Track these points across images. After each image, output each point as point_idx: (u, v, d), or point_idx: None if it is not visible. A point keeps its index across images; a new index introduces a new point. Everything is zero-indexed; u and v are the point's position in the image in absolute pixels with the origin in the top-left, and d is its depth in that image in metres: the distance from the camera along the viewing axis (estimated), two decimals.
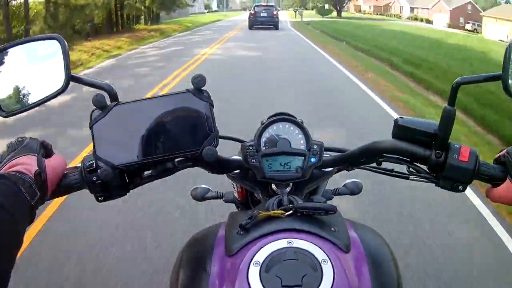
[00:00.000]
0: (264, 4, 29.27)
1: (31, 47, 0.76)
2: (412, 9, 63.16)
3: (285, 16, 48.98)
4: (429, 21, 53.20)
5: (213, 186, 1.11)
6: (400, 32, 25.23)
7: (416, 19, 57.48)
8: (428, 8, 56.73)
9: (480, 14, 45.54)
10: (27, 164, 0.64)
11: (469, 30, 45.60)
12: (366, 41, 16.97)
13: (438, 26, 46.29)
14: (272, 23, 25.19)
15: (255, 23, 25.38)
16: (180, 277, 0.67)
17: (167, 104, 0.68)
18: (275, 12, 25.65)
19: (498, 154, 0.72)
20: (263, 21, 25.33)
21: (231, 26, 28.51)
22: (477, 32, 43.04)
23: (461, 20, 50.33)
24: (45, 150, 0.70)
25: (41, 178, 0.64)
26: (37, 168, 0.64)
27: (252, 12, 26.11)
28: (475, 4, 51.49)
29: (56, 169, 0.69)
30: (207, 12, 76.59)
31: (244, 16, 43.19)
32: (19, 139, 0.69)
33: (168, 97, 0.69)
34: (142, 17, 27.19)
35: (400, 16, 63.53)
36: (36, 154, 0.66)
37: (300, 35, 21.09)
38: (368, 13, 71.49)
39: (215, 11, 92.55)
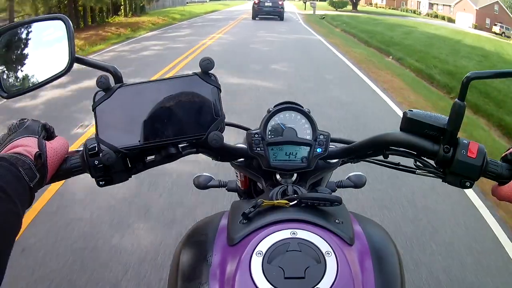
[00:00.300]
0: None
1: (35, 27, 0.75)
2: (431, 5, 57.50)
3: (292, 8, 44.56)
4: (451, 20, 49.07)
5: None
6: (457, 42, 17.51)
7: (436, 16, 53.13)
8: (449, 5, 52.23)
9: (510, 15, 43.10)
10: (27, 145, 0.63)
11: (496, 33, 42.16)
12: (425, 57, 10.93)
13: (461, 26, 41.98)
14: (277, 14, 23.41)
15: (259, 12, 23.61)
16: (181, 266, 0.66)
17: (173, 87, 0.67)
18: (280, 2, 23.59)
19: (505, 152, 0.71)
20: (268, 11, 23.48)
21: (226, 19, 24.27)
22: (507, 36, 40.14)
23: (487, 21, 46.46)
24: (47, 133, 0.70)
25: (41, 160, 0.64)
26: (37, 150, 0.64)
27: (256, 1, 23.87)
28: (502, 5, 47.35)
29: (57, 152, 0.68)
30: (209, 0, 70.53)
31: (247, 6, 40.14)
32: (21, 120, 0.69)
33: (174, 79, 0.67)
34: (122, 7, 23.22)
35: (419, 13, 57.98)
36: (37, 136, 0.66)
37: (321, 39, 14.09)
38: (381, 7, 65.62)
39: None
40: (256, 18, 23.51)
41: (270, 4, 23.23)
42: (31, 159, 0.62)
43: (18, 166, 0.59)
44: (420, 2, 60.42)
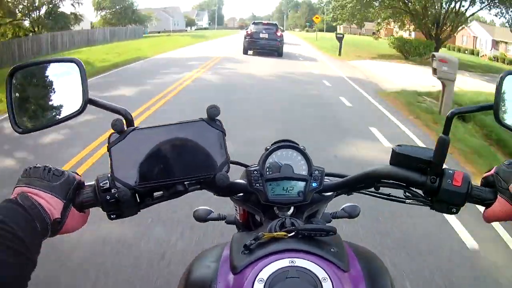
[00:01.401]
0: (265, 22, 21.34)
1: (49, 68, 0.79)
2: (495, 43, 38.92)
3: (296, 40, 39.74)
4: None
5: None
6: None
7: (503, 59, 33.89)
8: None
9: None
10: (51, 205, 0.65)
11: None
12: None
13: None
14: (274, 48, 18.55)
15: (252, 46, 18.76)
16: None
17: (182, 131, 0.72)
18: (278, 33, 18.74)
19: (486, 174, 0.76)
20: (263, 45, 18.48)
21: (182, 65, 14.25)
22: None
23: None
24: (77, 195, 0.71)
25: (57, 226, 0.66)
26: (59, 217, 0.66)
27: (249, 31, 18.99)
28: None
29: (74, 226, 0.71)
30: (187, 31, 64.47)
31: (234, 39, 34.20)
32: (57, 172, 0.70)
33: (183, 124, 0.73)
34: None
35: (477, 52, 39.65)
36: (64, 201, 0.67)
37: None
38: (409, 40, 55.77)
39: (205, 28, 78.77)
40: (249, 52, 19.06)
41: (266, 35, 18.49)
42: (50, 219, 0.64)
43: (36, 221, 0.61)
44: (476, 37, 41.86)
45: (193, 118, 0.73)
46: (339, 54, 21.64)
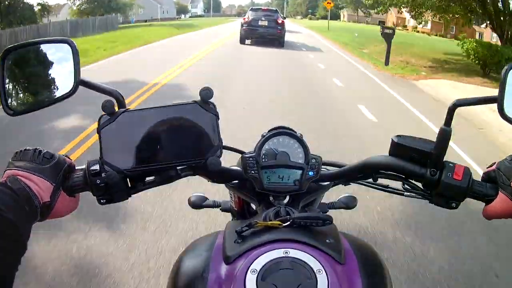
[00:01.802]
0: (264, 8, 19.07)
1: (42, 49, 0.77)
2: None
3: (299, 28, 35.67)
4: None
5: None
6: None
7: None
8: None
9: None
10: (41, 189, 0.64)
11: None
12: None
13: None
14: (275, 37, 16.71)
15: (250, 34, 16.85)
16: (178, 283, 0.68)
17: (173, 114, 0.70)
18: (279, 21, 16.76)
19: (487, 169, 0.74)
20: (262, 33, 16.58)
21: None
22: None
23: None
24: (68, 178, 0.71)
25: (47, 209, 0.66)
26: (48, 200, 0.65)
27: (246, 18, 16.88)
28: None
29: (64, 209, 0.70)
30: (179, 19, 58.06)
31: (227, 29, 29.79)
32: (48, 155, 0.69)
33: (175, 107, 0.70)
34: None
35: None
36: (54, 184, 0.67)
37: None
38: (423, 32, 47.10)
39: (199, 16, 73.19)
40: (247, 42, 17.18)
41: (265, 23, 16.58)
42: (39, 202, 0.63)
43: (25, 205, 0.60)
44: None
45: (186, 101, 0.71)
46: (387, 64, 12.88)
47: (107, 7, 35.32)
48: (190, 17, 69.69)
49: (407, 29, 51.12)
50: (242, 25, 17.03)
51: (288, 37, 19.45)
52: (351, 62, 14.52)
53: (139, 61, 12.28)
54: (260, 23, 16.60)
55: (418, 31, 47.37)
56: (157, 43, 17.96)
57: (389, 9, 20.07)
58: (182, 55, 13.14)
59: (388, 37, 12.80)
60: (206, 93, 0.70)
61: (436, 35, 43.93)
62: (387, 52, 13.11)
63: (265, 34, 16.66)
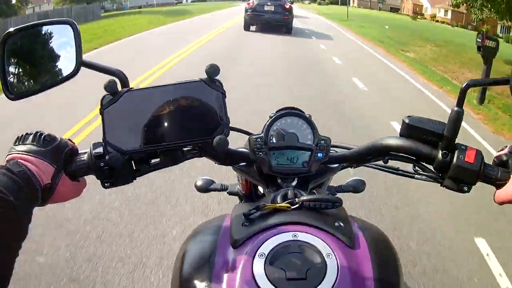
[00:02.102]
0: None
1: (43, 31, 0.76)
2: None
3: (309, 14, 31.61)
4: None
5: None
6: None
7: None
8: None
9: None
10: (42, 171, 0.64)
11: None
12: None
13: None
14: (282, 23, 15.33)
15: (254, 20, 15.49)
16: (184, 267, 0.67)
17: (179, 92, 0.67)
18: (287, 6, 15.26)
19: (498, 153, 0.73)
20: (268, 19, 15.17)
21: None
22: None
23: None
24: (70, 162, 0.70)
25: (49, 191, 0.65)
26: (49, 182, 0.64)
27: (251, 3, 15.28)
28: None
29: (66, 195, 0.69)
30: (179, 4, 53.53)
31: (227, 16, 25.15)
32: (49, 137, 0.68)
33: (180, 85, 0.68)
34: None
35: None
36: (55, 167, 0.66)
37: None
38: (443, 21, 44.26)
39: (203, 0, 65.34)
40: (251, 29, 15.69)
41: (272, 7, 15.10)
42: (40, 184, 0.62)
43: (26, 187, 0.60)
44: None
45: (192, 79, 0.68)
46: (481, 102, 7.27)
47: None
48: (192, 1, 64.70)
49: (425, 17, 48.47)
50: (246, 10, 15.58)
51: (302, 28, 18.08)
52: (406, 80, 9.20)
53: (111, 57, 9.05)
54: (266, 8, 15.09)
55: (437, 21, 44.44)
56: (128, 38, 13.70)
57: None
58: (151, 60, 8.91)
59: (489, 53, 7.08)
60: (212, 70, 0.67)
61: (457, 26, 39.74)
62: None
63: (271, 20, 15.25)
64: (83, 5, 28.84)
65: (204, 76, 0.67)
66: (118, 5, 40.15)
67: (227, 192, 1.10)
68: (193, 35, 13.67)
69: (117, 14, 28.28)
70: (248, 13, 15.37)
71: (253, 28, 15.79)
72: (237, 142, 0.89)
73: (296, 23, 17.91)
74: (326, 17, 30.22)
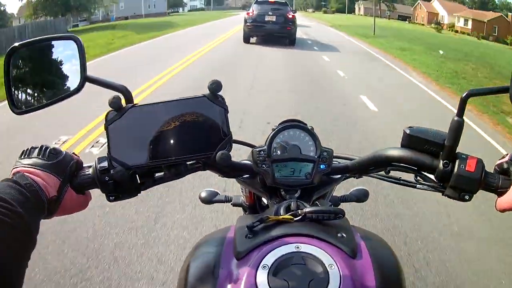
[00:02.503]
0: (271, 0, 14.85)
1: (47, 46, 0.77)
2: None
3: (320, 27, 25.94)
4: None
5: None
6: None
7: None
8: None
9: None
10: (48, 184, 0.64)
11: None
12: None
13: None
14: (284, 33, 14.10)
15: (255, 32, 14.23)
16: (189, 279, 0.68)
17: (182, 108, 0.69)
18: (290, 15, 14.08)
19: (499, 161, 0.73)
20: (269, 30, 13.96)
21: None
22: None
23: None
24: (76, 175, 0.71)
25: (55, 204, 0.65)
26: (55, 195, 0.65)
27: (251, 13, 14.10)
28: None
29: (72, 208, 0.70)
30: (169, 13, 50.24)
31: (217, 30, 20.43)
32: (54, 151, 0.69)
33: (183, 101, 0.69)
34: None
35: None
36: (61, 179, 0.67)
37: None
38: (463, 32, 39.00)
39: (200, 9, 63.40)
40: (251, 40, 14.42)
41: (273, 18, 13.80)
42: (46, 197, 0.63)
43: (32, 199, 0.60)
44: None
45: (195, 94, 0.69)
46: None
47: (66, 5, 28.85)
48: (190, 10, 61.44)
49: (442, 27, 41.77)
50: (245, 21, 14.16)
51: (322, 56, 12.78)
52: None
53: None
54: (267, 18, 13.77)
55: (456, 31, 38.82)
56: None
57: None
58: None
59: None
60: (215, 86, 0.68)
61: (477, 38, 34.27)
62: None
63: (273, 31, 13.97)
64: (51, 18, 26.25)
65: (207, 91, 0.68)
66: (105, 15, 37.92)
67: (231, 204, 1.10)
68: (150, 69, 8.92)
69: (86, 30, 24.07)
70: (248, 24, 14.07)
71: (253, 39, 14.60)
72: (240, 155, 0.91)
73: (309, 42, 16.02)
74: (345, 32, 24.05)
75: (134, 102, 0.71)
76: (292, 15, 14.19)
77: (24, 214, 0.56)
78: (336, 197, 1.04)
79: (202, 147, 0.68)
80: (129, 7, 44.10)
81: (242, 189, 1.03)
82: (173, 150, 0.67)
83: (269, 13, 13.89)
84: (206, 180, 3.09)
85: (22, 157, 0.67)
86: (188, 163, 0.72)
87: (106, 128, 0.68)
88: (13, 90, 0.73)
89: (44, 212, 0.63)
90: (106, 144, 0.68)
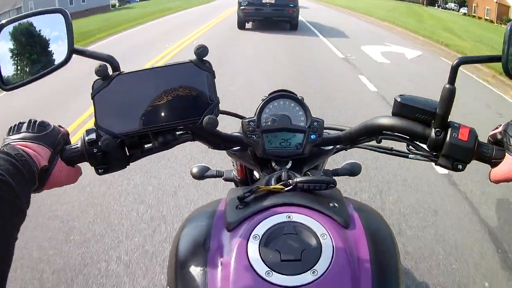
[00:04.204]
0: None
1: (35, 20, 0.76)
2: None
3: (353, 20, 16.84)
4: None
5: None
6: None
7: None
8: None
9: None
10: (39, 154, 0.65)
11: None
12: None
13: None
14: (285, 16, 12.33)
15: (251, 16, 12.39)
16: (179, 252, 0.68)
17: (169, 74, 0.68)
18: None
19: (493, 131, 0.72)
20: (267, 14, 12.17)
21: None
22: None
23: None
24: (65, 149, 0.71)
25: (45, 174, 0.66)
26: (46, 164, 0.65)
27: None
28: None
29: (63, 180, 0.70)
30: (114, 7, 33.63)
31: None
32: (43, 123, 0.70)
33: (170, 67, 0.68)
34: None
35: None
36: (51, 150, 0.67)
37: None
38: (488, 19, 32.28)
39: None
40: (247, 25, 12.81)
41: (272, 0, 11.95)
42: (37, 167, 0.63)
43: (23, 169, 0.60)
44: None
45: (181, 60, 0.69)
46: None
47: None
48: (114, 6, 40.95)
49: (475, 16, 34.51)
50: (240, 4, 12.26)
51: None
52: None
53: None
54: (264, 0, 11.98)
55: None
56: None
57: None
58: None
59: None
60: (201, 51, 0.67)
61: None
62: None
63: (272, 15, 12.23)
64: None
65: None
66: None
67: (223, 178, 1.10)
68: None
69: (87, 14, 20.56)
70: (243, 7, 12.19)
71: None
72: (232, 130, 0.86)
73: None
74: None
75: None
76: None
77: (14, 185, 0.56)
78: (328, 171, 1.03)
79: (189, 113, 0.67)
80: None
81: (233, 163, 1.02)
82: (160, 117, 0.67)
83: None
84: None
85: (11, 133, 0.67)
86: (177, 132, 0.72)
87: (92, 98, 0.67)
88: (0, 67, 0.73)
89: (35, 183, 0.63)
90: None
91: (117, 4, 37.72)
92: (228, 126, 0.87)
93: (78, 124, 4.32)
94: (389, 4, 26.62)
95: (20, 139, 0.65)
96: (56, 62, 0.73)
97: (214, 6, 23.79)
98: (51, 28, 0.75)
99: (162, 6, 23.97)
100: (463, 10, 40.66)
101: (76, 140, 0.73)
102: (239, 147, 0.86)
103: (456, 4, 44.65)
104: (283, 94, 0.82)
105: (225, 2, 24.44)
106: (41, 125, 0.69)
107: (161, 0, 30.15)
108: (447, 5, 46.37)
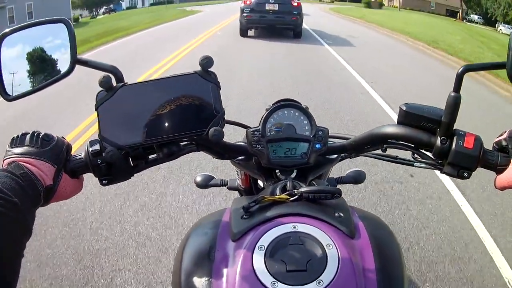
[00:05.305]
0: None
1: (37, 31, 0.76)
2: None
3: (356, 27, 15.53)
4: None
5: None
6: None
7: None
8: None
9: None
10: (43, 172, 0.64)
11: None
12: None
13: None
14: (288, 24, 12.07)
15: (253, 23, 12.18)
16: (184, 263, 0.67)
17: (173, 86, 0.68)
18: (294, 3, 11.91)
19: (498, 138, 0.72)
20: (270, 21, 11.96)
21: None
22: None
23: None
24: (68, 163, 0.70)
25: (50, 192, 0.65)
26: (51, 183, 0.64)
27: (248, 1, 12.00)
28: None
29: (67, 193, 0.69)
30: (76, 21, 27.78)
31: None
32: (47, 137, 0.68)
33: (174, 78, 0.68)
34: None
35: None
36: (55, 166, 0.66)
37: None
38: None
39: (169, 2, 42.94)
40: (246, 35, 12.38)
41: (275, 6, 11.74)
42: (43, 186, 0.63)
43: (29, 189, 0.59)
44: None
45: (186, 71, 0.68)
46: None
47: None
48: (151, 4, 42.80)
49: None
50: (242, 11, 12.05)
51: None
52: None
53: None
54: (267, 7, 11.74)
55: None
56: None
57: None
58: None
59: None
60: (206, 62, 0.67)
61: None
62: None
63: (275, 22, 12.00)
64: None
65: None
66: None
67: (227, 187, 1.10)
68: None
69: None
70: (245, 14, 11.98)
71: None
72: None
73: None
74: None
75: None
76: (298, 3, 12.02)
77: (20, 204, 0.55)
78: (333, 179, 1.03)
79: (194, 124, 0.66)
80: None
81: (237, 172, 1.02)
82: (165, 128, 0.66)
83: (270, 1, 11.80)
84: None
85: (13, 145, 0.66)
86: (181, 143, 0.71)
87: (96, 110, 0.67)
88: (3, 76, 0.72)
89: (40, 201, 0.62)
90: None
91: (80, 18, 30.38)
92: (230, 134, 0.86)
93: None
94: (421, 19, 21.98)
95: (24, 154, 0.64)
96: (59, 73, 0.73)
97: (187, 25, 17.32)
98: (54, 38, 0.75)
99: (121, 22, 19.07)
100: (503, 27, 33.03)
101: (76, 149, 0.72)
102: (243, 157, 0.86)
103: (479, 17, 40.66)
104: (288, 104, 0.81)
105: (196, 20, 20.22)
106: (44, 139, 0.67)
107: (132, 12, 26.82)
108: (469, 17, 41.43)
